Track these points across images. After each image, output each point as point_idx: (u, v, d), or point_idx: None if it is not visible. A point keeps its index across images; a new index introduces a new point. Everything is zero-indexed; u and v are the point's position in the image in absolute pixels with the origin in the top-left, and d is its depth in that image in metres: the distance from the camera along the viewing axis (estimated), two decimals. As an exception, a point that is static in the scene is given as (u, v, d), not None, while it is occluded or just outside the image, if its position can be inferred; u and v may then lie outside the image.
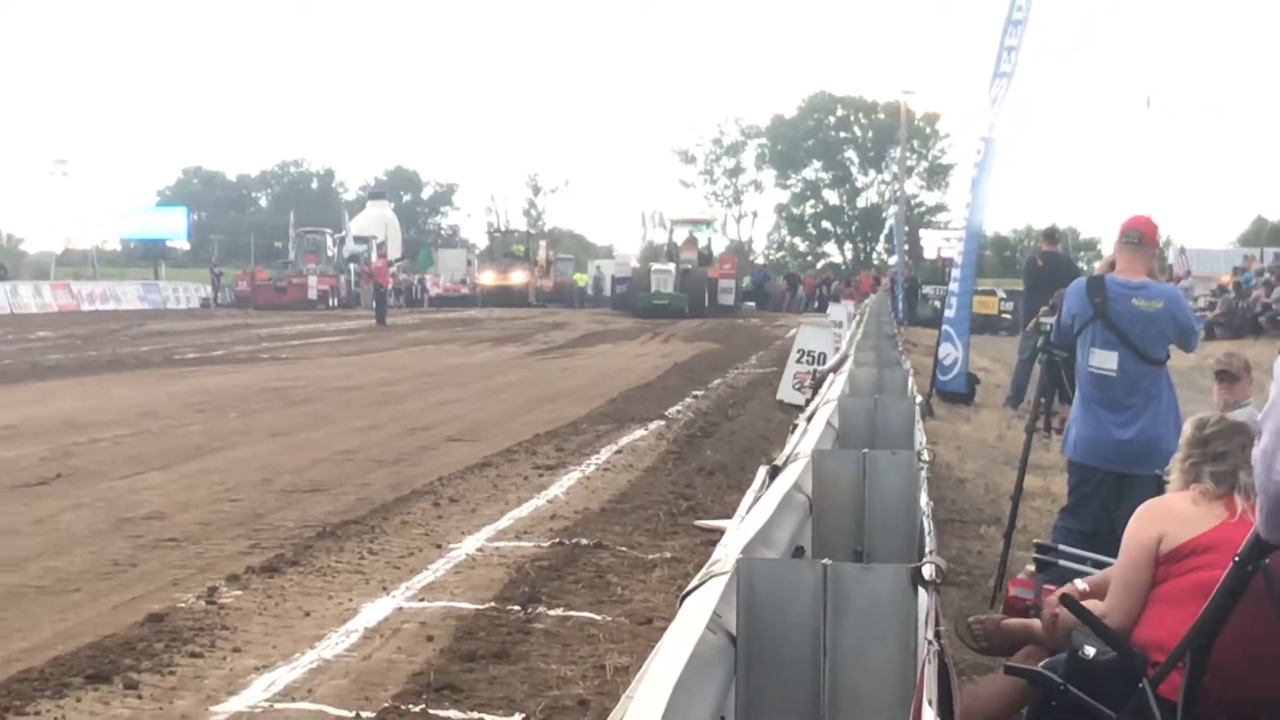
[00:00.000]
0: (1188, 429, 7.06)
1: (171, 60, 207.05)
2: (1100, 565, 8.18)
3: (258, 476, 18.26)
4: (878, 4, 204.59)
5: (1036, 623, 7.62)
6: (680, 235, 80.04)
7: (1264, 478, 4.14)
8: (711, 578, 4.67)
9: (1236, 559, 6.15)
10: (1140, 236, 11.31)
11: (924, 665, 4.35)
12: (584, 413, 26.17)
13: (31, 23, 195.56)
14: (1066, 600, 6.87)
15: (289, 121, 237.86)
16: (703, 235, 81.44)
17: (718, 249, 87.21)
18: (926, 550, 6.28)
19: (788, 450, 8.74)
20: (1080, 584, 7.39)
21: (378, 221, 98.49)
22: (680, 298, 70.87)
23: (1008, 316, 52.62)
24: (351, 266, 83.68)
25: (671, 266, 73.36)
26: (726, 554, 4.96)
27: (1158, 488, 7.36)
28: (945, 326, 27.90)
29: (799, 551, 6.85)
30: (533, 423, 24.38)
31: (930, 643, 4.42)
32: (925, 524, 7.36)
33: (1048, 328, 12.67)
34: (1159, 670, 6.32)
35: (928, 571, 4.79)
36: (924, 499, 7.98)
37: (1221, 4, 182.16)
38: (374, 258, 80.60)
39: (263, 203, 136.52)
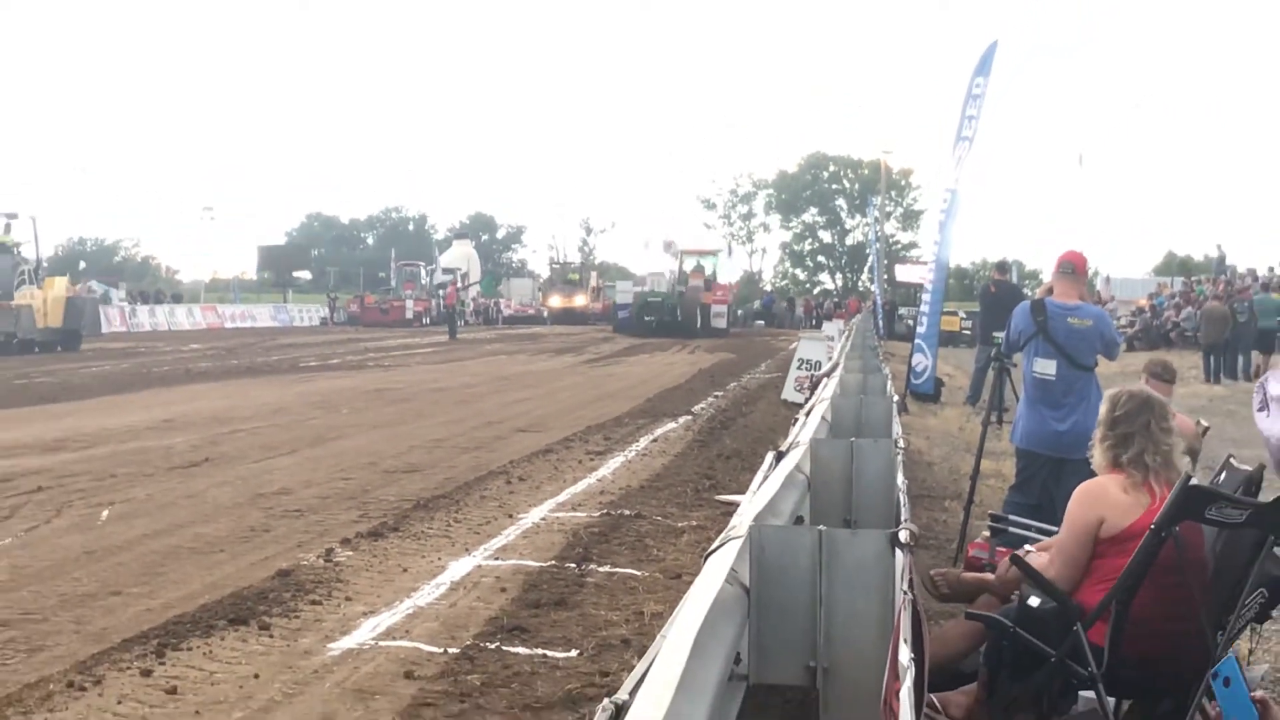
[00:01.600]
0: (1103, 409, 6.99)
1: (296, 122, 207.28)
2: (1043, 533, 8.16)
3: (365, 460, 18.28)
4: (864, 79, 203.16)
5: (990, 576, 7.59)
6: (689, 264, 74.03)
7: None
8: (729, 540, 4.66)
9: (1152, 527, 6.13)
10: (1073, 267, 11.38)
11: (900, 611, 4.33)
12: (626, 409, 26.16)
13: (183, 92, 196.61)
14: (1016, 560, 6.84)
15: (391, 173, 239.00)
16: (709, 264, 75.73)
17: (731, 276, 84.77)
18: (902, 519, 6.27)
19: (790, 439, 8.73)
20: (1029, 548, 7.35)
21: (461, 256, 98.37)
22: (672, 299, 66.10)
23: (967, 332, 52.34)
24: (440, 292, 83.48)
25: (665, 277, 71.15)
26: (741, 522, 4.95)
27: (1089, 470, 7.29)
28: (917, 340, 27.89)
29: (800, 520, 6.84)
30: (585, 417, 24.39)
31: (905, 593, 4.40)
32: (901, 498, 7.33)
33: (999, 341, 12.62)
34: (1089, 617, 6.30)
35: (903, 536, 4.78)
36: (900, 478, 7.95)
37: (1140, 77, 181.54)
38: (459, 287, 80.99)
39: (369, 241, 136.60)
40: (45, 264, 47.76)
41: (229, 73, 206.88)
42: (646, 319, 63.81)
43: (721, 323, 68.34)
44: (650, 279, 70.39)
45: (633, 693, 3.29)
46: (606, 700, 3.28)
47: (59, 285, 46.23)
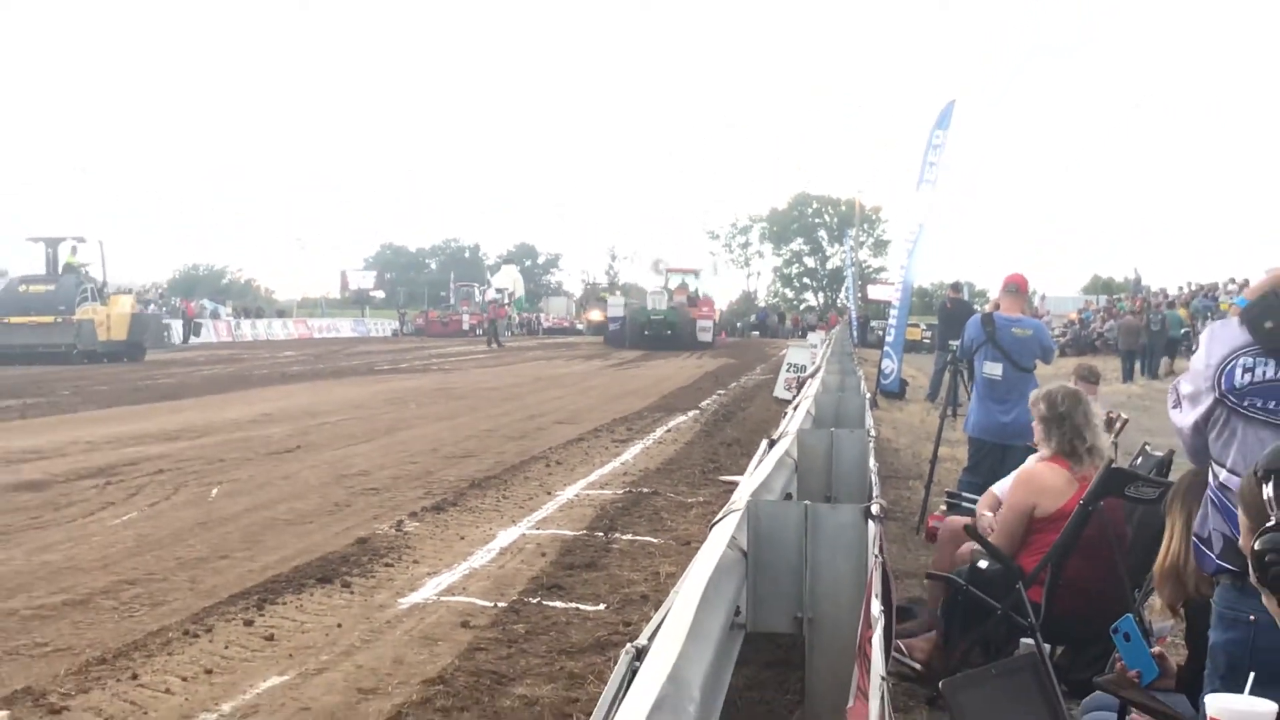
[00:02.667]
0: (1043, 405, 6.97)
1: (371, 165, 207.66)
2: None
3: (429, 446, 18.29)
4: (842, 129, 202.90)
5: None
6: (674, 281, 66.61)
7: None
8: (730, 513, 4.65)
9: (1080, 503, 6.13)
10: (1017, 287, 11.44)
11: (872, 572, 4.32)
12: (645, 405, 26.16)
13: (279, 141, 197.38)
14: (969, 530, 6.83)
15: (450, 208, 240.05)
16: (691, 281, 67.85)
17: (715, 292, 76.99)
18: (873, 495, 6.25)
19: (780, 429, 8.69)
20: (984, 519, 7.31)
21: (509, 279, 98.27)
22: (670, 314, 59.32)
23: (927, 340, 52.05)
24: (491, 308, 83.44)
25: (665, 293, 62.46)
26: (740, 497, 4.94)
27: (1027, 453, 7.30)
28: (886, 348, 27.93)
29: (789, 496, 6.81)
30: (611, 411, 24.39)
31: (876, 556, 4.38)
32: (873, 478, 7.33)
33: (954, 347, 12.64)
34: (1028, 577, 6.29)
35: (874, 509, 4.76)
36: (872, 461, 7.94)
37: (1074, 130, 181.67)
38: (505, 305, 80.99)
39: (433, 266, 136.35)
40: (108, 283, 45.65)
41: (316, 126, 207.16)
42: (645, 333, 58.13)
43: (707, 336, 61.97)
44: (651, 296, 62.04)
45: (650, 638, 3.28)
46: (629, 645, 3.28)
47: (124, 302, 45.15)
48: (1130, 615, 5.12)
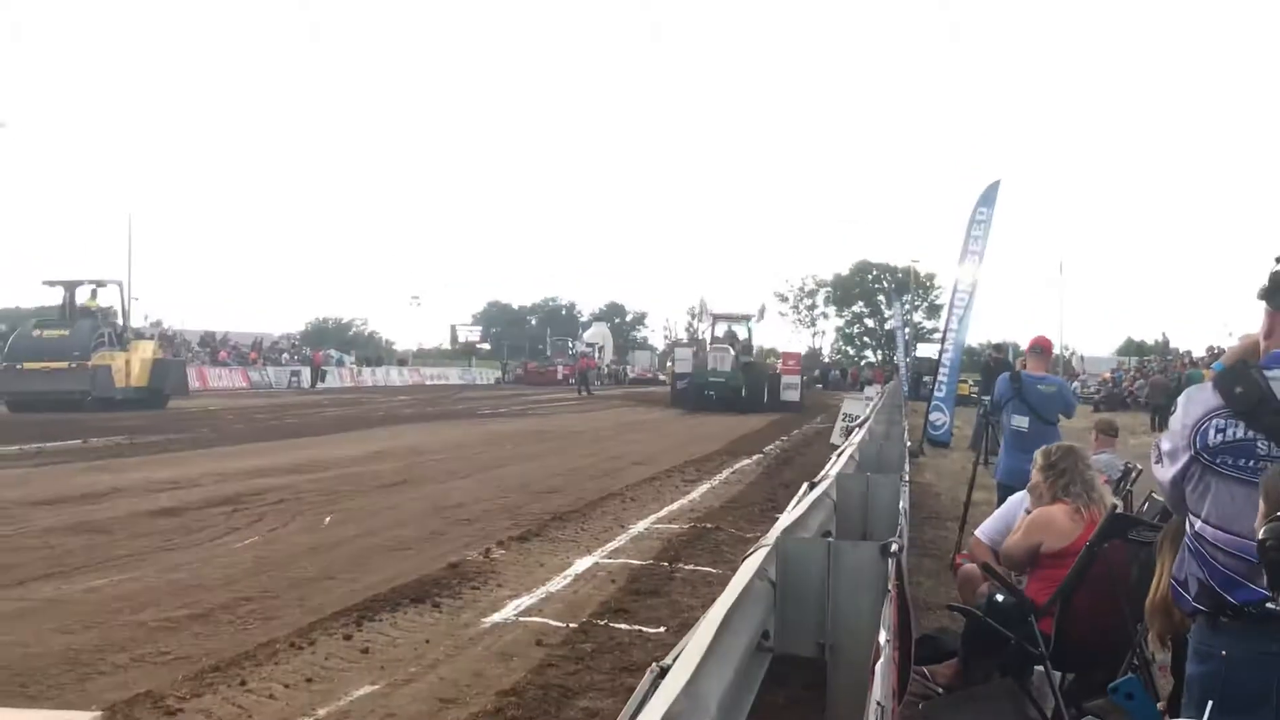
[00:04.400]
0: (1040, 459, 7.01)
1: (479, 232, 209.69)
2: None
3: (520, 483, 18.37)
4: (902, 205, 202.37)
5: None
6: (720, 329, 51.87)
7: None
8: (758, 548, 4.65)
9: (1087, 545, 6.07)
10: (1042, 349, 11.46)
11: (887, 601, 4.31)
12: (714, 449, 26.12)
13: (398, 206, 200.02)
14: (986, 567, 6.79)
15: (550, 269, 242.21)
16: (741, 329, 52.13)
17: (761, 342, 63.71)
18: (898, 534, 6.23)
19: (822, 473, 8.67)
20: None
21: (599, 334, 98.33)
22: (737, 378, 45.68)
23: (975, 394, 51.71)
24: (582, 360, 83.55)
25: (729, 350, 47.62)
26: (771, 535, 4.94)
27: (1031, 500, 7.31)
28: (936, 400, 27.83)
29: (828, 534, 6.79)
30: (683, 454, 24.36)
31: (890, 589, 4.38)
32: (901, 520, 7.29)
33: (986, 402, 12.59)
34: (1040, 611, 6.22)
35: (892, 548, 4.75)
36: (903, 503, 7.90)
37: (1112, 204, 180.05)
38: (595, 357, 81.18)
39: (532, 322, 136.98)
40: (131, 329, 40.48)
41: (434, 195, 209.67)
42: (707, 393, 45.45)
43: (794, 395, 48.79)
44: (713, 354, 48.03)
45: (674, 659, 3.30)
46: (654, 664, 3.30)
47: (145, 348, 39.91)
48: (1133, 676, 5.07)
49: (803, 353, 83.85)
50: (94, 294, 39.45)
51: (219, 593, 9.80)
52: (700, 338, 47.37)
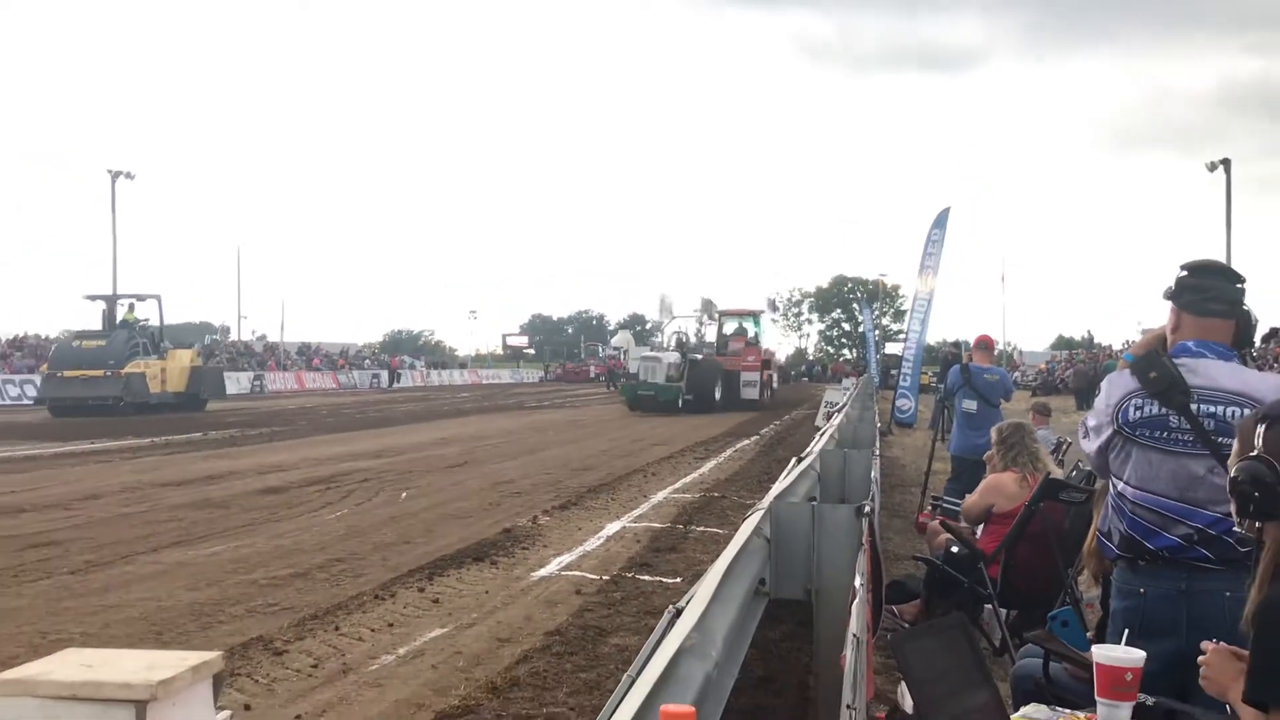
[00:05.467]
0: (994, 434, 6.98)
1: (527, 253, 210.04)
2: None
3: (560, 462, 18.35)
4: (871, 229, 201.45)
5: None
6: (730, 326, 40.99)
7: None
8: (756, 511, 4.63)
9: (1026, 504, 6.04)
10: (986, 344, 11.41)
11: (859, 553, 4.29)
12: (719, 432, 26.01)
13: (457, 228, 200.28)
14: (945, 524, 6.77)
15: (583, 286, 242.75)
16: (750, 325, 41.85)
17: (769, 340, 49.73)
18: (869, 497, 6.19)
19: (808, 449, 8.64)
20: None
21: (624, 340, 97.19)
22: (672, 389, 33.84)
23: (934, 384, 51.46)
24: (610, 361, 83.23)
25: (664, 356, 35.44)
26: (765, 500, 4.91)
27: (988, 469, 7.25)
28: (901, 389, 27.87)
29: (813, 498, 6.75)
30: (694, 437, 24.28)
31: (864, 543, 4.35)
32: (873, 487, 7.25)
33: (940, 389, 12.54)
34: (988, 559, 6.19)
35: (865, 509, 4.72)
36: (875, 473, 7.86)
37: (1045, 222, 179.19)
38: (621, 359, 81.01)
39: (569, 330, 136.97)
40: (165, 339, 36.14)
41: (490, 226, 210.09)
42: (641, 394, 34.41)
43: (754, 392, 37.15)
44: (643, 365, 35.70)
45: (687, 603, 3.29)
46: (671, 606, 3.29)
47: (182, 357, 36.11)
48: (1069, 608, 5.03)
49: (779, 350, 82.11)
50: (131, 308, 36.34)
51: (316, 555, 9.82)
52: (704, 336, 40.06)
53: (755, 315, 43.15)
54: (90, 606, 7.81)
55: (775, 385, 41.90)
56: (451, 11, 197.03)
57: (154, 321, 36.17)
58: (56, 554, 9.77)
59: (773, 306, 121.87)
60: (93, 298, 37.09)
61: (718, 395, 34.94)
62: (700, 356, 36.67)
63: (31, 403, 37.10)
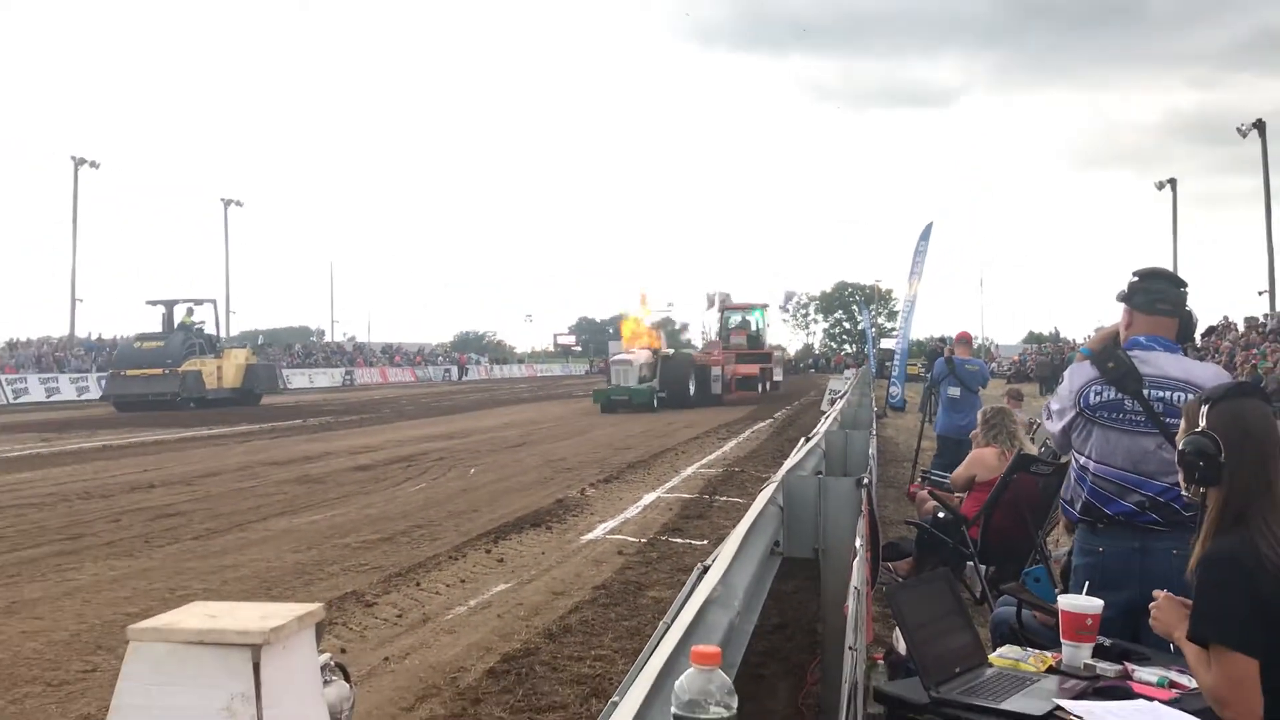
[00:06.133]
0: (979, 417, 6.97)
1: (573, 263, 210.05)
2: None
3: (605, 443, 18.36)
4: (868, 241, 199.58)
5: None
6: (734, 319, 36.42)
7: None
8: (770, 483, 4.62)
9: (1002, 476, 5.99)
10: (966, 340, 11.39)
11: (859, 518, 4.28)
12: (740, 416, 25.92)
13: (513, 242, 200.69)
14: (933, 494, 6.74)
15: (622, 290, 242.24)
16: (754, 318, 37.15)
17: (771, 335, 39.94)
18: (867, 470, 6.17)
19: (815, 430, 8.60)
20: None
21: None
22: (644, 390, 28.58)
23: (922, 374, 51.05)
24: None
25: (635, 357, 29.64)
26: (779, 474, 4.91)
27: (974, 446, 7.20)
28: (892, 378, 27.58)
29: (819, 472, 6.73)
30: (718, 420, 24.20)
31: (863, 510, 4.34)
32: (871, 462, 7.22)
33: (928, 377, 12.45)
34: (969, 522, 6.16)
35: (864, 481, 4.71)
36: (872, 449, 7.81)
37: (1024, 235, 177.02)
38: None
39: (610, 330, 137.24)
40: (221, 339, 34.70)
41: (543, 237, 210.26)
42: (614, 398, 28.46)
43: (718, 387, 31.93)
44: (616, 369, 29.93)
45: (713, 561, 3.31)
46: (699, 564, 3.31)
47: (238, 355, 34.55)
48: (1043, 566, 5.01)
49: (790, 345, 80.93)
50: (190, 311, 34.01)
51: (399, 522, 9.90)
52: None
53: (762, 307, 38.72)
54: (210, 567, 7.92)
55: (776, 378, 37.60)
56: (503, 33, 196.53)
57: (209, 326, 34.30)
58: (181, 523, 9.90)
59: (788, 299, 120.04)
60: (153, 303, 34.59)
61: (691, 390, 30.25)
62: (672, 352, 32.42)
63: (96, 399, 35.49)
